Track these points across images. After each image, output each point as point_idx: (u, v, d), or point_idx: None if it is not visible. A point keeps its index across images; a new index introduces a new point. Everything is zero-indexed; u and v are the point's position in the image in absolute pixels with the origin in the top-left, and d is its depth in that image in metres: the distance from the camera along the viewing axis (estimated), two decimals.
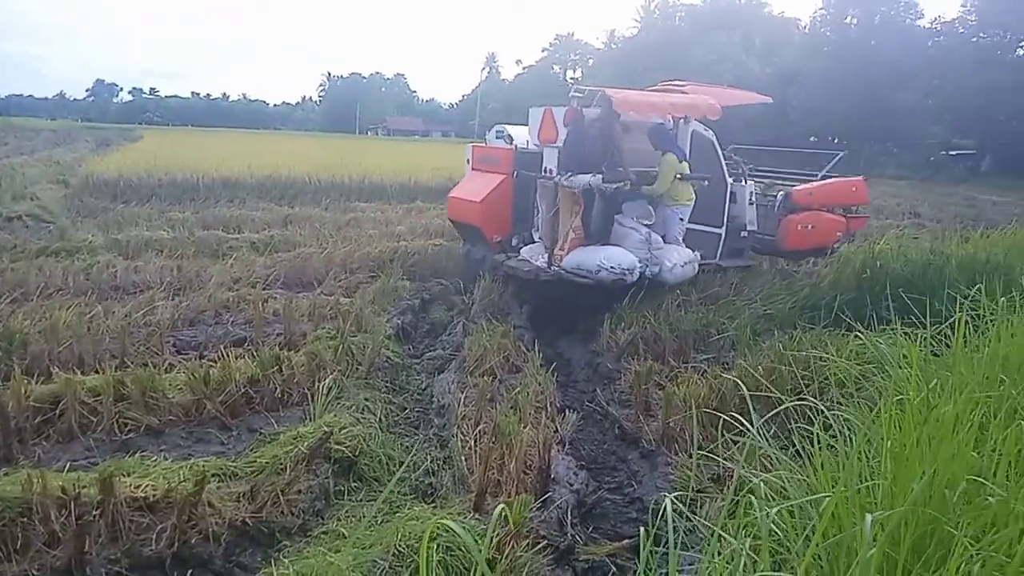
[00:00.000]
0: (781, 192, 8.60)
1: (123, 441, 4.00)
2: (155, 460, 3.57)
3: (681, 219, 7.14)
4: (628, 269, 6.54)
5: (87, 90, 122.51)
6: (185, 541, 3.04)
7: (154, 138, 31.72)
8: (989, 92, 37.46)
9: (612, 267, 6.52)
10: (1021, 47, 40.88)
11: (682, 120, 7.29)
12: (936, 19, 47.25)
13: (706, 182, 7.24)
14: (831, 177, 9.09)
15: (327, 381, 4.59)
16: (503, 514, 3.05)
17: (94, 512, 2.97)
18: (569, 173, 6.65)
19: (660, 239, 6.89)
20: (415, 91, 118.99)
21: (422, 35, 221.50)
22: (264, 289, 7.30)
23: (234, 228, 10.61)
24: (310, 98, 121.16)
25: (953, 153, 44.01)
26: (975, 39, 41.60)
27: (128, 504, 3.07)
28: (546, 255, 6.88)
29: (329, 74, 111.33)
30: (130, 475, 3.31)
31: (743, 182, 8.16)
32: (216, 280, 7.35)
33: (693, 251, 7.14)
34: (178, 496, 3.12)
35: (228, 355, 4.76)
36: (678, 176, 6.89)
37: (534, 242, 7.38)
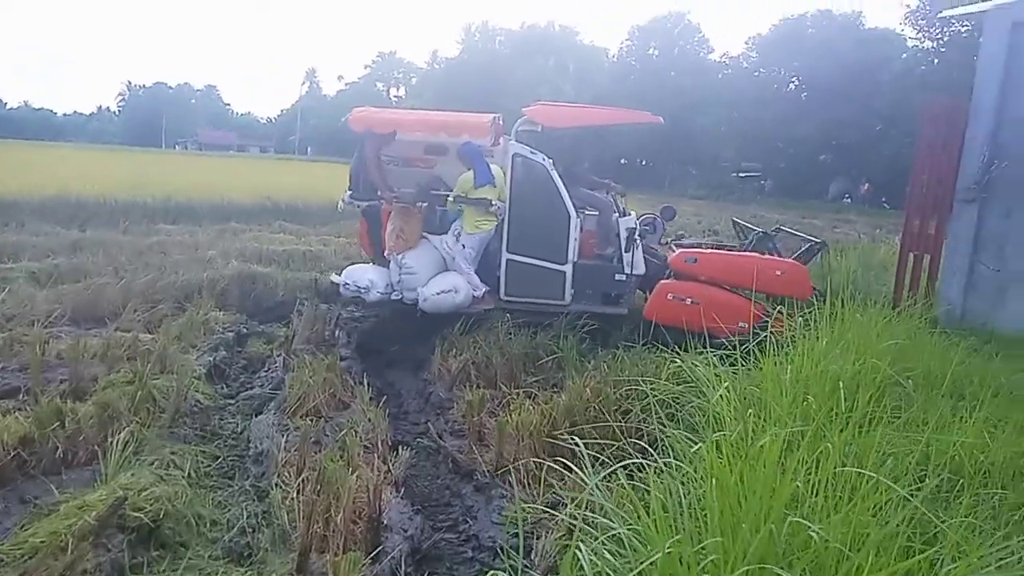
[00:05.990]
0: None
1: None
2: None
3: (464, 246, 6.70)
4: (363, 288, 6.81)
5: None
6: None
7: None
8: (768, 121, 42.67)
9: (348, 283, 6.88)
10: (792, 83, 46.70)
11: (492, 144, 7.04)
12: (724, 54, 52.83)
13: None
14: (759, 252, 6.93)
15: (122, 435, 4.01)
16: None
17: None
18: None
19: (414, 265, 6.67)
20: (229, 104, 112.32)
21: (235, 46, 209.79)
22: (46, 328, 6.35)
23: (9, 256, 9.18)
24: (107, 108, 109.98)
25: (742, 175, 49.15)
26: (756, 74, 47.06)
27: None
28: None
29: (129, 83, 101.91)
30: None
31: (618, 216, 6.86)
32: None
33: (479, 282, 6.74)
34: None
35: None
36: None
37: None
